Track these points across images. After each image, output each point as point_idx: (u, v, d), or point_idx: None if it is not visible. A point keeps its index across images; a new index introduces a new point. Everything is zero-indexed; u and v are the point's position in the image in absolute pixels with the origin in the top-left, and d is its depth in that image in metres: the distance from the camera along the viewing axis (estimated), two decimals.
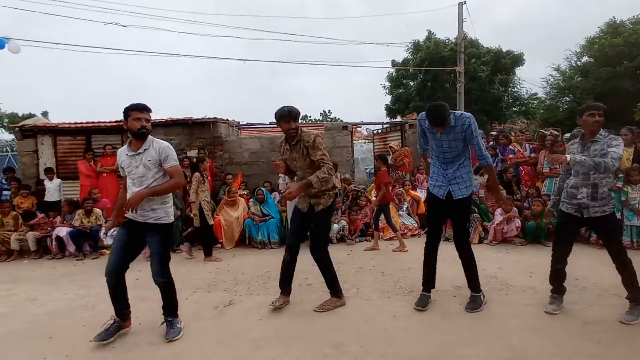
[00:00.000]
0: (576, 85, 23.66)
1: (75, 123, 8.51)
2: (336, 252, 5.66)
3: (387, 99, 21.06)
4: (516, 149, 6.97)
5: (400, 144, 8.48)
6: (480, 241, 5.80)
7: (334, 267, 3.64)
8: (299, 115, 3.45)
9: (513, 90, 19.90)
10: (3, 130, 19.34)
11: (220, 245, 6.21)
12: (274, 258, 4.26)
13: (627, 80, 20.43)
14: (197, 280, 4.54)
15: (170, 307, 3.12)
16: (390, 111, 20.62)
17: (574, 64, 25.18)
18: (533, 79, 42.44)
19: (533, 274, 4.23)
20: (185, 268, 5.12)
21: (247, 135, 9.85)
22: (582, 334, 2.83)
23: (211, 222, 5.66)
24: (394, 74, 20.32)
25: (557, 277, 3.30)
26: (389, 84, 20.78)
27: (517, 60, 18.70)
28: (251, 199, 6.70)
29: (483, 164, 3.41)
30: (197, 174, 5.62)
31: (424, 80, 18.88)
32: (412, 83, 20.02)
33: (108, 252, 5.92)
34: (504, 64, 18.54)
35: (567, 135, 7.97)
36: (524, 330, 2.92)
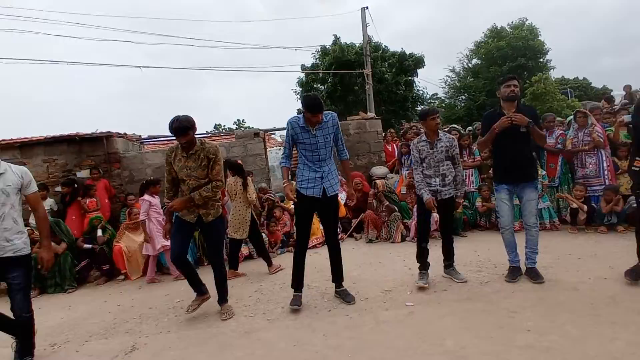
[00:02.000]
0: (470, 84, 26.19)
1: None
2: (258, 267, 5.27)
3: (299, 104, 21.08)
4: None
5: None
6: (403, 239, 5.80)
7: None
8: (195, 124, 3.33)
9: (417, 91, 21.19)
10: None
11: (124, 277, 5.40)
12: (188, 285, 3.69)
13: None
14: (91, 325, 3.79)
15: (29, 347, 2.90)
16: None
17: (466, 66, 27.87)
18: (433, 80, 46.04)
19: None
20: (78, 311, 4.29)
21: (152, 149, 8.92)
22: (511, 325, 2.80)
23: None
24: (304, 78, 20.43)
25: (422, 254, 3.82)
26: (300, 89, 20.84)
27: (418, 62, 19.96)
28: None
29: (343, 158, 3.65)
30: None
31: (333, 84, 19.23)
32: (322, 87, 20.28)
33: None
34: (408, 66, 19.66)
35: (470, 128, 8.50)
36: (456, 330, 2.81)
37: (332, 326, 3.13)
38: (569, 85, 27.87)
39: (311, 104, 3.24)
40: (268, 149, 9.56)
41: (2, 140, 6.86)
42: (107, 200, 6.39)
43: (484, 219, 5.94)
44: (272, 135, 15.51)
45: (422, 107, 22.16)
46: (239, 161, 5.31)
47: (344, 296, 3.61)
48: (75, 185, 5.88)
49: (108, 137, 7.09)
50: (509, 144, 3.53)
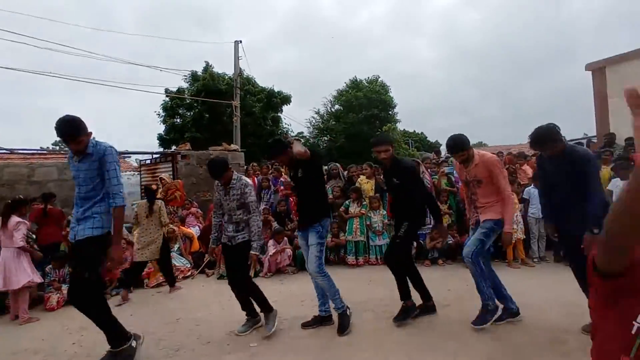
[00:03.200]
0: (332, 127, 28.45)
1: None
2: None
3: (162, 128, 19.73)
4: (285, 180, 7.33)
5: (172, 177, 7.72)
6: (256, 275, 5.66)
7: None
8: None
9: (283, 127, 21.97)
10: None
11: None
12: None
13: (365, 125, 25.75)
14: None
15: None
16: (164, 141, 19.32)
17: (330, 110, 30.32)
18: (299, 119, 48.52)
19: (304, 302, 4.27)
20: None
21: None
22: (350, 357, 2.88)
23: None
24: (169, 102, 19.29)
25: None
26: (164, 113, 19.56)
27: (285, 100, 20.85)
28: None
29: (112, 205, 2.86)
30: None
31: (200, 110, 18.61)
32: (188, 113, 19.42)
33: None
34: (275, 102, 20.33)
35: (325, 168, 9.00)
36: None
37: None
38: (410, 137, 32.57)
39: (62, 127, 2.71)
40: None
41: None
42: None
43: (333, 254, 6.23)
44: (127, 159, 14.06)
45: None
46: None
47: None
48: None
49: None
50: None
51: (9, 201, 4.67)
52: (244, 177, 3.63)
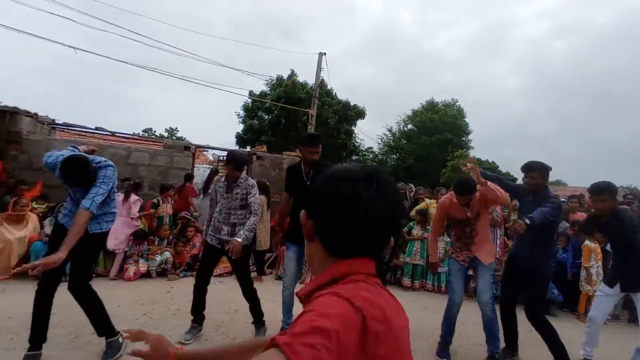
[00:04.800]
0: (402, 146, 28.04)
1: None
2: (154, 289, 4.82)
3: (239, 128, 20.86)
4: None
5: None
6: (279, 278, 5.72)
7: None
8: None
9: (355, 141, 22.11)
10: None
11: None
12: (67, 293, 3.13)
13: (437, 149, 25.02)
14: None
15: None
16: (241, 140, 20.39)
17: (402, 129, 29.93)
18: (370, 134, 48.51)
19: None
20: None
21: (64, 137, 8.05)
22: None
23: None
24: (250, 104, 20.34)
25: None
26: (244, 114, 20.66)
27: (360, 114, 20.97)
28: (50, 217, 5.23)
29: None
30: None
31: (278, 115, 19.37)
32: (266, 116, 20.31)
33: None
34: (350, 115, 20.55)
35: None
36: None
37: None
38: (482, 165, 31.04)
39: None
40: (196, 166, 9.15)
41: None
42: None
43: (390, 275, 6.12)
44: (204, 152, 15.00)
45: (357, 157, 23.18)
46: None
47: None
48: None
49: (12, 112, 6.25)
50: None
51: (132, 182, 5.96)
52: (250, 178, 3.63)
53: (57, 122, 7.71)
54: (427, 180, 18.59)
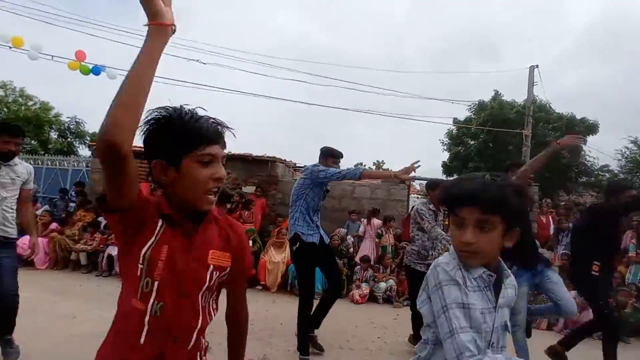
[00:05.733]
0: None
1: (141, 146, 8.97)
2: (382, 314, 5.26)
3: (444, 156, 20.59)
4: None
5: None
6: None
7: None
8: None
9: (585, 159, 18.64)
10: (84, 146, 21.27)
11: (261, 287, 6.02)
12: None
13: None
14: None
15: (10, 326, 2.99)
16: (447, 169, 20.05)
17: None
18: (604, 148, 39.71)
19: None
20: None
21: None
22: None
23: None
24: (454, 131, 19.95)
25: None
26: (448, 141, 20.36)
27: (591, 128, 17.66)
28: None
29: None
30: None
31: (485, 140, 18.29)
32: (472, 142, 19.45)
33: None
34: (577, 132, 17.55)
35: None
36: None
37: None
38: None
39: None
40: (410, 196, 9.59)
41: None
42: (259, 217, 7.26)
43: None
44: (411, 183, 15.50)
45: (587, 178, 19.40)
46: None
47: None
48: (244, 199, 6.88)
49: (273, 161, 8.16)
50: None
51: (376, 208, 7.14)
52: None
53: (297, 165, 9.53)
54: None
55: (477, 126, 18.05)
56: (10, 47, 7.11)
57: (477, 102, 19.13)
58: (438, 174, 20.46)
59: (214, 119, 1.08)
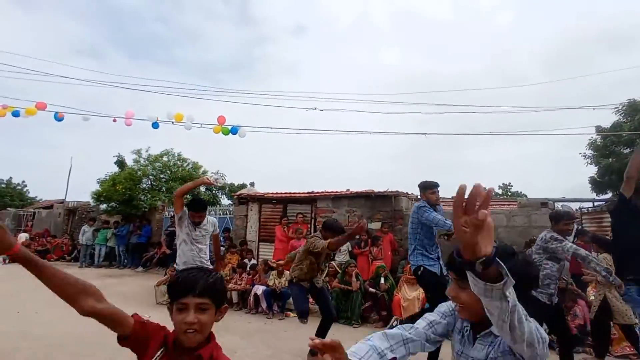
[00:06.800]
0: None
1: (276, 193, 9.90)
2: None
3: (589, 170, 17.82)
4: None
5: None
6: None
7: None
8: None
9: None
10: (225, 196, 24.32)
11: (396, 324, 5.90)
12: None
13: None
14: None
15: None
16: (597, 185, 17.24)
17: None
18: None
19: None
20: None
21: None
22: None
23: None
24: (599, 140, 17.23)
25: None
26: (593, 153, 17.61)
27: None
28: None
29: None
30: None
31: None
32: (627, 150, 16.48)
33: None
34: None
35: None
36: None
37: None
38: None
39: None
40: None
41: (324, 192, 9.04)
42: (389, 252, 7.25)
43: None
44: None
45: None
46: None
47: None
48: (372, 236, 7.01)
49: (395, 195, 8.15)
50: None
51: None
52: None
53: (419, 197, 9.34)
54: None
55: (631, 131, 15.32)
56: (172, 122, 8.69)
57: (625, 103, 16.36)
58: (585, 191, 17.77)
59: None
